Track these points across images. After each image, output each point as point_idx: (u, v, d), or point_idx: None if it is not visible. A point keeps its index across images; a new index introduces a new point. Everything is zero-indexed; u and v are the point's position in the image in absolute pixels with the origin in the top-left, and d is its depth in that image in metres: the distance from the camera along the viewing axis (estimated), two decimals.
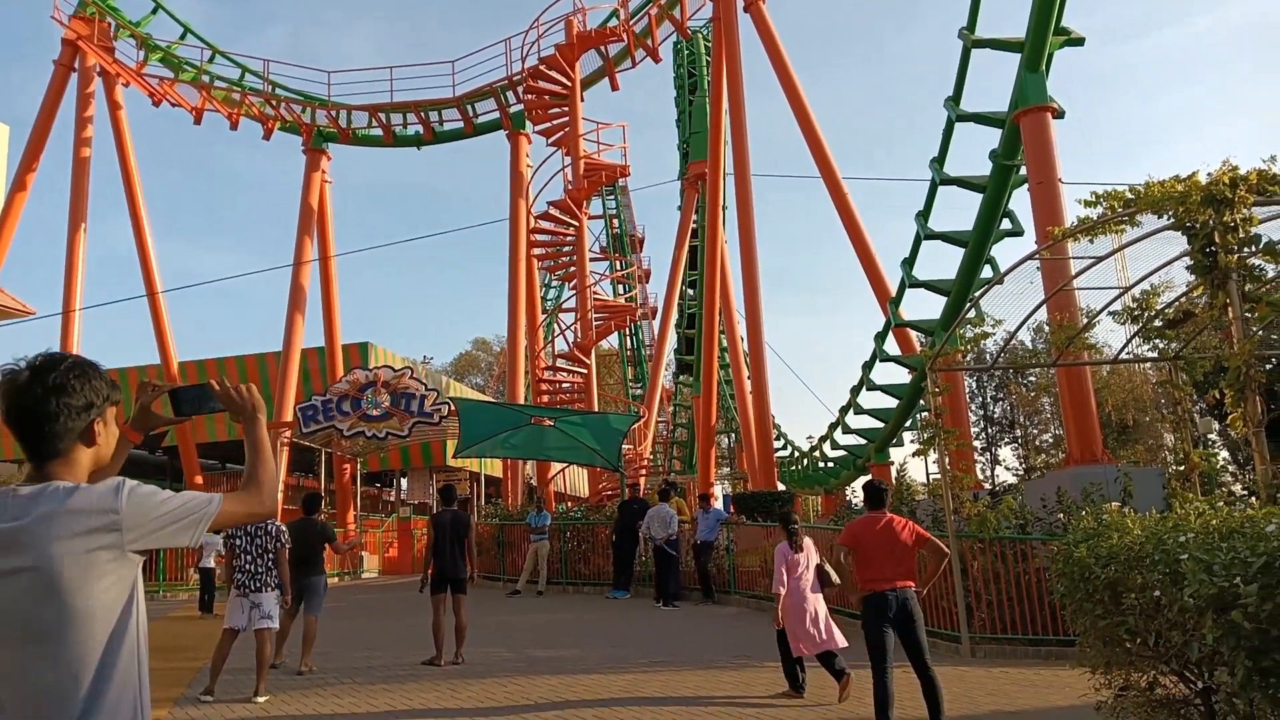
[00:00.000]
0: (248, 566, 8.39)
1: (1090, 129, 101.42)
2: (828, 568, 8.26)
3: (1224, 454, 35.47)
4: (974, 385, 61.04)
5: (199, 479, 29.18)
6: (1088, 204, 7.93)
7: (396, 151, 31.35)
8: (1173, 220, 6.92)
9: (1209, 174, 6.77)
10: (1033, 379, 54.08)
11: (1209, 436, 25.18)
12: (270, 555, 8.48)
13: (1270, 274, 7.10)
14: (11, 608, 1.86)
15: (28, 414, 2.01)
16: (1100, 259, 9.00)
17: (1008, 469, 60.93)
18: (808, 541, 8.37)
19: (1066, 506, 10.78)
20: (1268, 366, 19.56)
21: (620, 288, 39.34)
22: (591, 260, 46.42)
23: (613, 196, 55.24)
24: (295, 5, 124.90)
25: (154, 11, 28.72)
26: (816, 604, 8.06)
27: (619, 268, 42.96)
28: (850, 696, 7.78)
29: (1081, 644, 5.69)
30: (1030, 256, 9.09)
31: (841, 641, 7.98)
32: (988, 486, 38.66)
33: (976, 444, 61.41)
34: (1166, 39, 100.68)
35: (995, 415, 62.74)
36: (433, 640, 10.10)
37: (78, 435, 2.05)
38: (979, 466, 60.73)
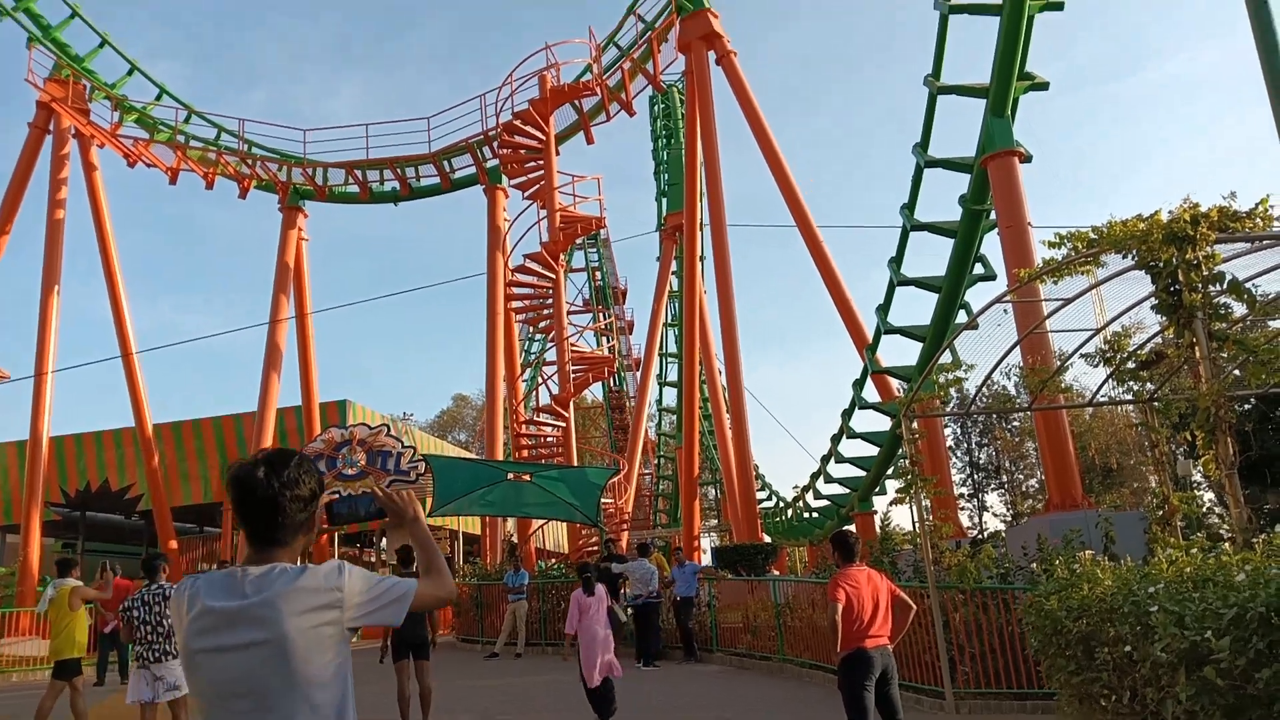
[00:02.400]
0: (146, 638, 8.06)
1: (1063, 173, 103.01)
2: (617, 609, 9.90)
3: (1209, 495, 35.31)
4: (959, 431, 61.03)
5: (173, 543, 28.56)
6: (1052, 245, 7.84)
7: (374, 207, 31.38)
8: (1136, 260, 6.82)
9: (1170, 212, 6.69)
10: (1016, 424, 54.04)
11: (1192, 478, 25.02)
12: (170, 621, 8.16)
13: (1237, 312, 6.98)
14: (248, 677, 2.10)
15: (263, 505, 2.23)
16: (1067, 301, 8.89)
17: (995, 515, 60.63)
18: (600, 588, 9.80)
19: (1047, 554, 10.54)
20: (1245, 407, 19.51)
21: (602, 339, 39.27)
22: (574, 313, 46.54)
23: (595, 249, 55.50)
24: (277, 67, 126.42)
25: (130, 73, 28.81)
26: (606, 642, 9.39)
27: (602, 320, 42.93)
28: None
29: (1059, 701, 5.44)
30: (997, 300, 8.98)
31: (619, 672, 9.48)
32: (974, 533, 38.33)
33: (963, 490, 61.23)
34: (1138, 83, 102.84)
35: (981, 461, 62.57)
36: (398, 709, 9.71)
37: (298, 526, 2.29)
38: (967, 513, 60.57)
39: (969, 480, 61.85)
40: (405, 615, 2.30)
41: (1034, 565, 10.29)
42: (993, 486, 62.27)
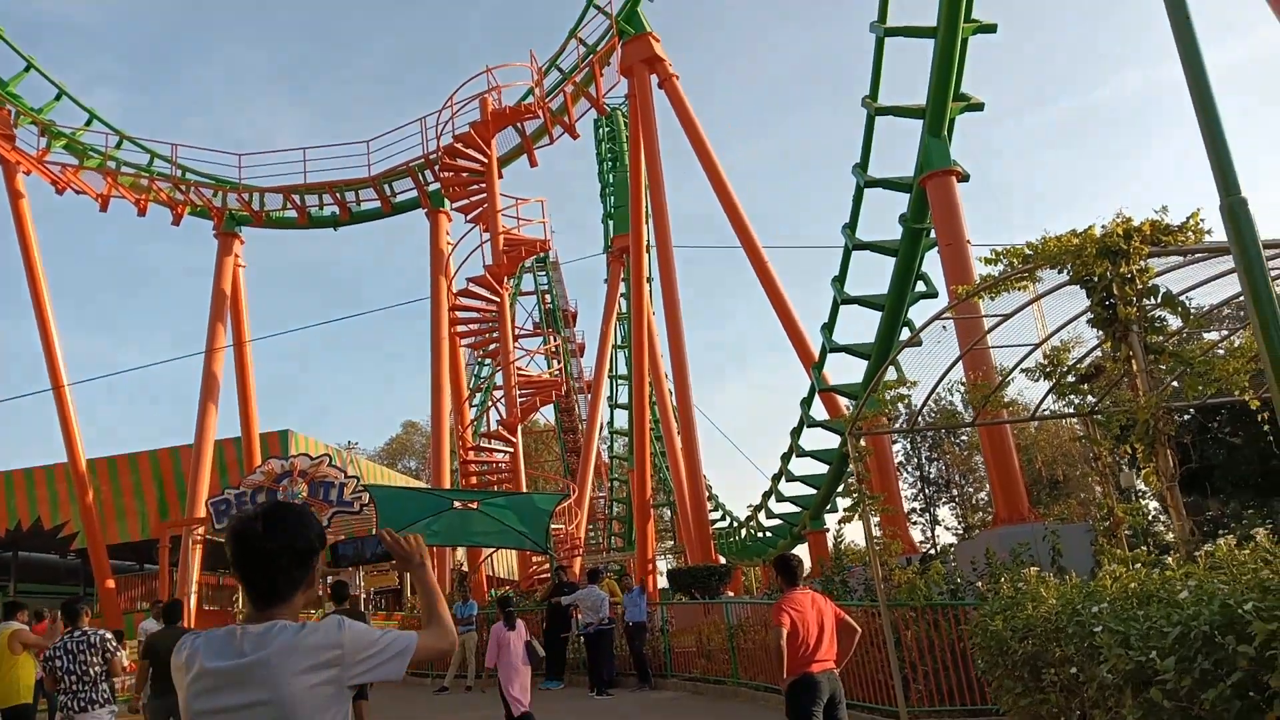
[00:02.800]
0: (71, 688, 7.66)
1: (1003, 194, 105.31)
2: (535, 644, 10.29)
3: (1154, 504, 36.01)
4: (909, 447, 61.63)
5: (110, 582, 27.56)
6: (988, 261, 7.86)
7: (315, 233, 30.85)
8: (1070, 274, 6.83)
9: (1104, 226, 6.72)
10: (964, 438, 54.73)
11: (1136, 488, 25.46)
12: (98, 669, 7.77)
13: (1173, 325, 7.03)
14: None
15: (262, 563, 2.18)
16: (1006, 317, 8.91)
17: (947, 529, 61.20)
18: (520, 623, 10.35)
19: (994, 569, 10.54)
20: (1184, 418, 19.89)
21: (551, 362, 39.05)
22: (524, 336, 46.23)
23: (544, 272, 55.29)
24: (217, 94, 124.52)
25: (57, 98, 28.02)
26: (525, 673, 10.00)
27: (552, 343, 42.65)
28: None
29: None
30: (936, 317, 8.98)
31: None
32: (927, 548, 38.56)
33: (915, 505, 61.76)
34: (1075, 106, 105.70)
35: (931, 476, 63.19)
36: None
37: (299, 581, 2.23)
38: (919, 528, 61.05)
39: (920, 495, 62.41)
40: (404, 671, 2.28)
41: (978, 583, 10.27)
42: (944, 500, 62.87)
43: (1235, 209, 4.43)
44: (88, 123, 28.64)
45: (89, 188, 27.66)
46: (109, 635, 8.03)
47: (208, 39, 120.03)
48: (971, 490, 62.08)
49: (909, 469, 61.96)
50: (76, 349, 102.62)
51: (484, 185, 24.11)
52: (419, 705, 16.06)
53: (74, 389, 28.25)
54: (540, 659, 10.33)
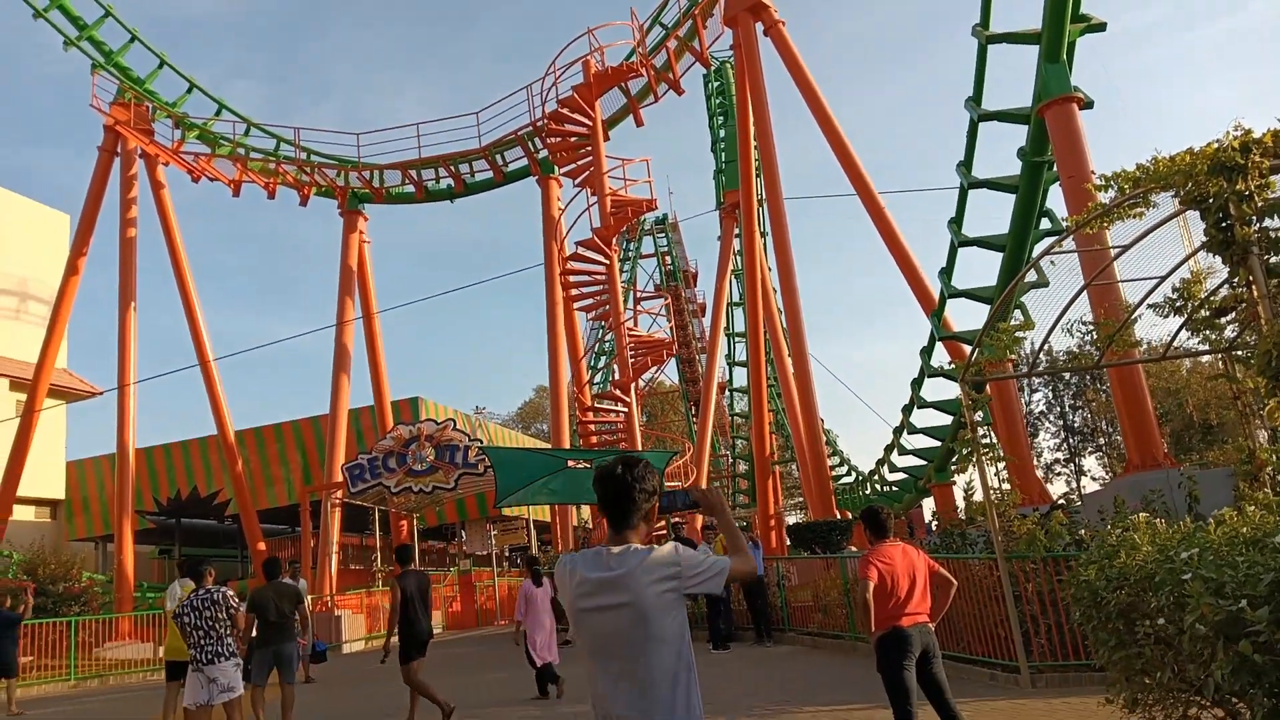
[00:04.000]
0: (199, 642, 8.13)
1: (1137, 124, 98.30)
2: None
3: None
4: (1050, 396, 59.00)
5: (261, 545, 29.39)
6: (1098, 189, 7.24)
7: (433, 206, 31.71)
8: (1182, 197, 6.23)
9: (1219, 141, 6.08)
10: (1109, 385, 51.81)
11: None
12: (222, 624, 8.22)
13: None
14: (618, 630, 2.78)
15: (621, 497, 2.91)
16: (1125, 248, 8.25)
17: (1094, 479, 58.38)
18: (546, 580, 11.14)
19: (1119, 517, 9.90)
20: None
21: (664, 323, 39.01)
22: (645, 298, 46.34)
23: (663, 234, 55.19)
24: (347, 76, 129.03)
25: (189, 91, 29.59)
26: (549, 628, 11.17)
27: (673, 304, 42.64)
28: (565, 694, 11.00)
29: (1109, 676, 5.01)
30: (1047, 252, 8.40)
31: (557, 659, 11.26)
32: (1072, 498, 36.82)
33: (1059, 455, 59.14)
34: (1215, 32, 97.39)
35: (1076, 425, 60.32)
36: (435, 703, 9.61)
37: (644, 514, 2.94)
38: (1063, 479, 58.52)
39: (1064, 444, 59.74)
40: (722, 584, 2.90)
41: (1092, 532, 9.68)
42: (1089, 450, 59.96)
43: None
44: (217, 113, 30.16)
45: (221, 175, 29.18)
46: (230, 592, 8.51)
47: (329, 24, 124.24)
48: (1120, 439, 58.93)
49: (1051, 418, 59.39)
50: (224, 327, 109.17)
51: (590, 149, 24.10)
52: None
53: (221, 365, 30.07)
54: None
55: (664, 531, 21.34)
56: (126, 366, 26.93)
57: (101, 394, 35.61)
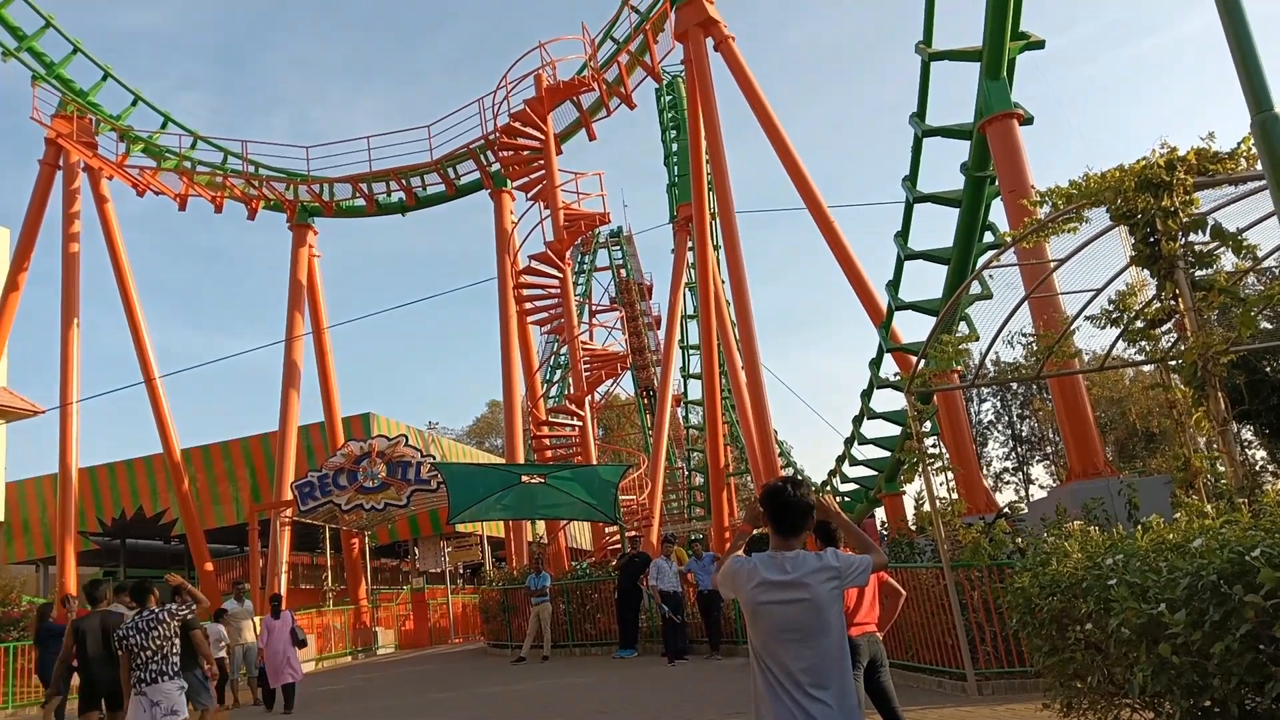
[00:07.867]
0: (146, 662, 7.95)
1: (1076, 140, 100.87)
2: (299, 629, 13.70)
3: (1260, 454, 34.12)
4: (999, 406, 60.05)
5: (208, 565, 28.79)
6: (1033, 204, 7.44)
7: (385, 219, 31.44)
8: (1111, 212, 6.42)
9: (1146, 158, 6.29)
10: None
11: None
12: (169, 644, 8.03)
13: (1229, 264, 6.54)
14: (798, 620, 3.32)
15: (787, 511, 3.48)
16: (1060, 262, 8.48)
17: (1041, 488, 59.48)
18: (286, 612, 13.83)
19: (1059, 525, 10.10)
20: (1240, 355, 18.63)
21: (619, 336, 39.06)
22: (601, 311, 46.32)
23: (618, 246, 55.26)
24: (297, 89, 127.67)
25: (134, 104, 29.04)
26: (287, 654, 13.35)
27: (628, 317, 42.70)
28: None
29: (1044, 680, 5.12)
30: (985, 266, 8.60)
31: (299, 676, 13.70)
32: (1020, 507, 37.41)
33: (1008, 464, 60.12)
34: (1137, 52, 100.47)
35: (1024, 434, 61.44)
36: None
37: (808, 524, 3.52)
38: (1012, 487, 59.51)
39: (1013, 454, 60.82)
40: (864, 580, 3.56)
41: (1035, 540, 9.88)
42: (1037, 459, 61.10)
43: (1267, 126, 4.09)
44: (163, 126, 29.64)
45: (167, 188, 28.69)
46: (174, 609, 8.33)
47: (279, 37, 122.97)
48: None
49: (999, 428, 60.40)
50: (170, 344, 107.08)
51: (543, 162, 24.12)
52: (501, 673, 16.36)
53: (167, 382, 29.47)
54: (301, 640, 13.85)
55: (619, 546, 21.36)
56: (69, 384, 26.33)
57: (43, 412, 34.67)
